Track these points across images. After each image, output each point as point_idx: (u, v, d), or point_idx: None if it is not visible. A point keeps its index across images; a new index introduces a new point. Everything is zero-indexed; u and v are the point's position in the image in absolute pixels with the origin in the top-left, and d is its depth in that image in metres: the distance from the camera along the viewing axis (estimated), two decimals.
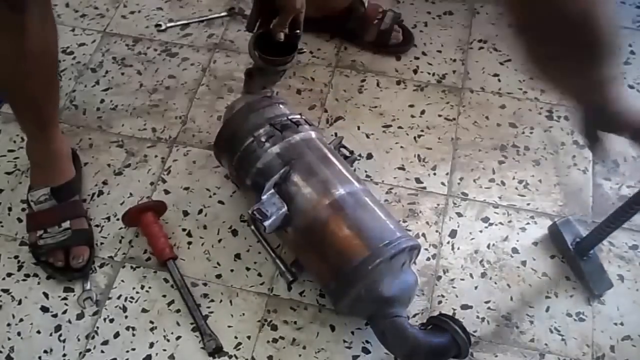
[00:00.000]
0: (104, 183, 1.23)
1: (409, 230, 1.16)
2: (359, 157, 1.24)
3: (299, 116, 1.12)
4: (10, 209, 1.20)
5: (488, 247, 1.15)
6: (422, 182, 1.23)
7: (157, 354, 1.05)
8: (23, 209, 1.19)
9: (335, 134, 1.28)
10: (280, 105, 1.13)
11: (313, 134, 1.09)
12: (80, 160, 1.24)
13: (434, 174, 1.24)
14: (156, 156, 1.27)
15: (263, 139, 1.06)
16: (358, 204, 1.02)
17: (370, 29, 1.40)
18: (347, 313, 1.05)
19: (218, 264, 1.14)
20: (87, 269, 1.12)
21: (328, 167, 1.05)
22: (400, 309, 0.99)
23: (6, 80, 1.04)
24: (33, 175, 1.18)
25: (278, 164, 1.04)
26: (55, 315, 1.09)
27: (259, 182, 1.04)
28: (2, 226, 1.18)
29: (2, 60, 1.00)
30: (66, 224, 1.12)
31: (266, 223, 1.00)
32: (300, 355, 1.05)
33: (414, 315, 1.08)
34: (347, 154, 1.20)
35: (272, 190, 1.03)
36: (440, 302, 1.09)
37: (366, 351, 1.05)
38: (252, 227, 1.14)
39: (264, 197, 1.01)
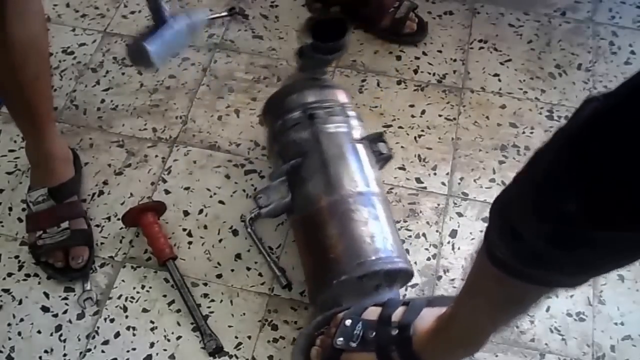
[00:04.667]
0: (105, 183, 1.23)
1: (409, 231, 1.16)
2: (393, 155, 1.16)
3: (340, 106, 1.08)
4: (10, 209, 1.20)
5: None
6: (422, 182, 1.23)
7: (157, 353, 1.05)
8: (23, 209, 1.19)
9: None
10: (329, 90, 1.11)
11: (342, 128, 1.06)
12: (80, 160, 1.24)
13: (435, 174, 1.24)
14: (156, 156, 1.27)
15: (291, 123, 1.06)
16: (352, 212, 0.98)
17: (386, 16, 1.41)
18: (320, 309, 1.04)
19: (218, 263, 1.14)
20: (86, 269, 1.11)
21: (341, 166, 1.02)
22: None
23: None
24: (32, 176, 1.18)
25: (297, 150, 1.04)
26: (55, 315, 1.09)
27: (283, 155, 1.05)
28: (2, 226, 1.18)
29: None
30: (65, 224, 1.12)
31: (262, 210, 1.01)
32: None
33: None
34: (383, 151, 1.09)
35: (283, 178, 1.03)
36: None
37: None
38: (249, 229, 1.15)
39: (272, 184, 1.03)
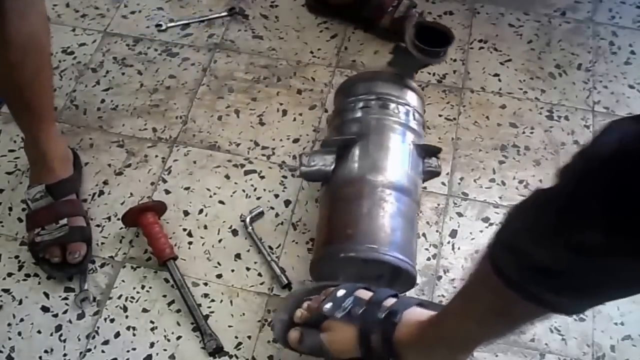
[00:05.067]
0: (105, 183, 1.23)
1: None
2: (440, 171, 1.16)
3: (412, 108, 1.11)
4: (10, 209, 1.20)
5: None
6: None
7: (157, 353, 1.05)
8: (23, 209, 1.19)
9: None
10: (408, 90, 1.13)
11: (406, 128, 1.08)
12: (80, 160, 1.24)
13: None
14: (157, 156, 1.27)
15: (362, 105, 1.09)
16: (385, 202, 1.01)
17: (385, 16, 1.41)
18: (316, 281, 1.06)
19: (218, 263, 1.14)
20: (83, 265, 1.11)
21: (393, 159, 1.05)
22: None
23: None
24: (30, 174, 1.19)
25: (357, 129, 1.07)
26: (55, 315, 1.09)
27: (340, 130, 1.09)
28: (2, 226, 1.18)
29: None
30: (63, 221, 1.12)
31: (302, 169, 1.05)
32: (300, 355, 1.05)
33: None
34: (433, 165, 1.10)
35: (334, 148, 1.06)
36: (440, 302, 1.09)
37: None
38: (249, 229, 1.15)
39: (320, 149, 1.06)
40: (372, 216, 0.99)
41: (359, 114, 1.09)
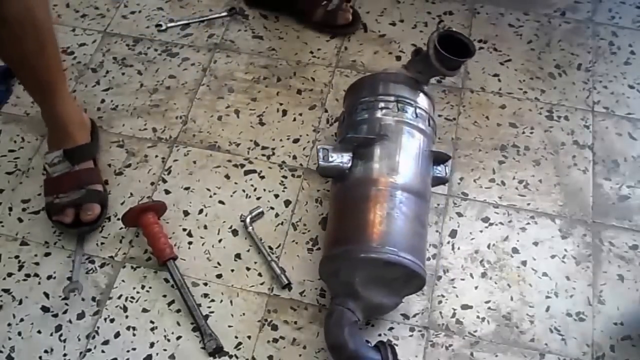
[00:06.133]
0: (105, 183, 1.23)
1: None
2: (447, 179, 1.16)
3: (427, 114, 1.12)
4: (10, 209, 1.20)
5: (488, 247, 1.15)
6: None
7: (157, 353, 1.05)
8: (24, 209, 1.19)
9: (336, 134, 1.28)
10: (423, 96, 1.14)
11: (423, 133, 1.09)
12: (98, 130, 1.27)
13: None
14: (157, 156, 1.27)
15: (381, 105, 1.09)
16: (405, 206, 1.01)
17: (318, 9, 1.43)
18: (323, 278, 1.06)
19: (218, 263, 1.14)
20: (96, 225, 1.15)
21: (411, 163, 1.05)
22: (358, 309, 0.99)
23: None
24: (48, 140, 1.21)
25: (376, 130, 1.06)
26: (55, 315, 1.09)
27: (357, 129, 1.09)
28: (2, 226, 1.19)
29: None
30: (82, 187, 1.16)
31: (321, 163, 1.04)
32: (300, 355, 1.05)
33: (414, 315, 1.08)
34: (441, 172, 1.12)
35: (351, 147, 1.06)
36: (440, 302, 1.10)
37: None
38: (249, 229, 1.15)
39: (337, 146, 1.06)
40: (393, 219, 0.99)
41: (378, 114, 1.09)
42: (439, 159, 1.11)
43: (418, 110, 1.10)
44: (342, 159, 1.05)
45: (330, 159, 1.05)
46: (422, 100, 1.13)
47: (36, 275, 1.13)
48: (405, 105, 1.10)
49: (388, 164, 1.04)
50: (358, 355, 0.95)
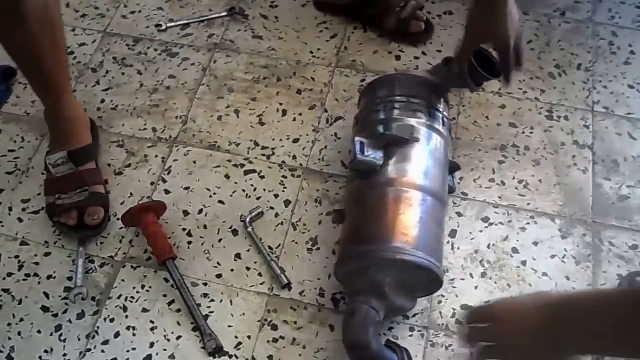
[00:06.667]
0: (105, 183, 1.23)
1: None
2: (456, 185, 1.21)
3: (449, 122, 1.14)
4: (10, 209, 1.20)
5: (488, 247, 1.15)
6: None
7: (157, 353, 1.05)
8: (24, 209, 1.19)
9: (336, 134, 1.28)
10: (445, 104, 1.14)
11: (446, 140, 1.10)
12: (97, 129, 1.27)
13: None
14: (156, 156, 1.27)
15: (413, 107, 1.09)
16: (435, 213, 1.02)
17: (391, 17, 1.41)
18: (339, 277, 1.03)
19: (218, 263, 1.14)
20: (100, 229, 1.15)
21: (440, 170, 1.06)
22: (382, 309, 0.98)
23: (10, 41, 1.05)
24: (51, 140, 1.22)
25: (407, 131, 1.06)
26: (55, 315, 1.09)
27: (387, 125, 1.07)
28: (2, 226, 1.19)
29: (2, 20, 1.01)
30: (84, 188, 1.16)
31: (359, 156, 1.02)
32: (300, 355, 1.05)
33: (414, 315, 1.08)
34: (451, 182, 1.16)
35: (382, 145, 1.05)
36: (440, 302, 1.10)
37: None
38: (248, 229, 1.15)
39: (370, 142, 1.04)
40: (425, 224, 0.99)
41: (410, 116, 1.08)
42: (451, 168, 1.13)
43: (445, 119, 1.11)
44: (376, 155, 1.04)
45: (368, 153, 1.03)
46: (445, 109, 1.13)
47: (36, 275, 1.13)
48: (436, 112, 1.10)
49: (422, 169, 1.04)
50: (379, 357, 0.94)
